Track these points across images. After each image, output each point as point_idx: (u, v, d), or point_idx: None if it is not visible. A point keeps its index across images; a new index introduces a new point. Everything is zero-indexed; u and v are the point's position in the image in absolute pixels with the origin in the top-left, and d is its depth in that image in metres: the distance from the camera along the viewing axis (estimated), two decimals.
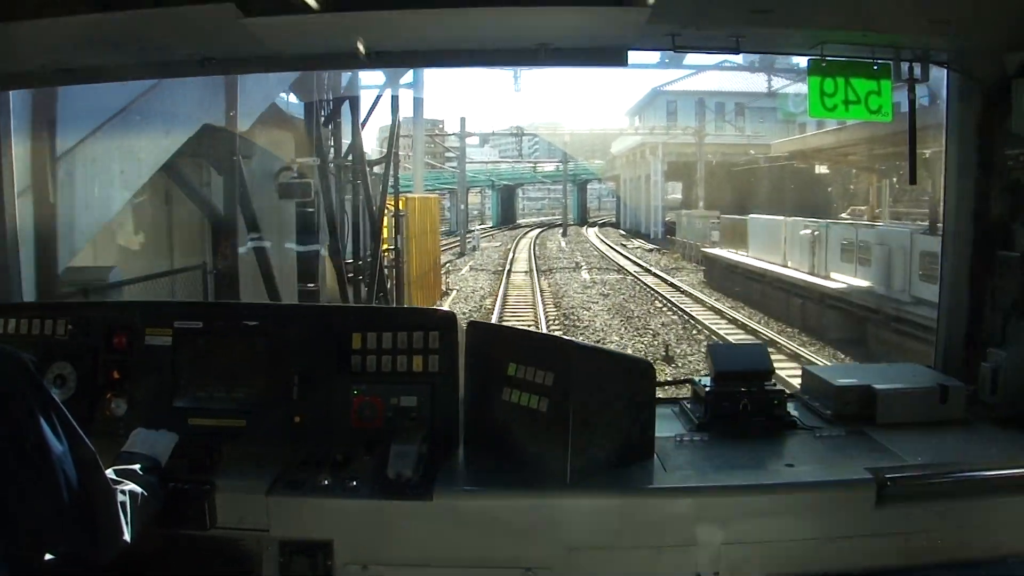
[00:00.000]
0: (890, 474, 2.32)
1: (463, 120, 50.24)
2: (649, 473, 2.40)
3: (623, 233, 54.79)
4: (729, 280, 23.92)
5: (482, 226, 66.25)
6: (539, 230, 59.13)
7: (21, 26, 2.49)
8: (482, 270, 31.96)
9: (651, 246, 42.32)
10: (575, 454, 2.30)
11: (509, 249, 41.68)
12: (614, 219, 68.42)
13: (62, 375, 2.70)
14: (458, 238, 42.78)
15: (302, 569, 2.31)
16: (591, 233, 55.74)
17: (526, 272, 30.70)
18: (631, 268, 31.14)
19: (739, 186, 39.25)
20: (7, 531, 1.72)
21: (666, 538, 2.30)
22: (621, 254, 37.80)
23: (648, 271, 29.66)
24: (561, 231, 55.51)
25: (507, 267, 32.11)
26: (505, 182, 68.68)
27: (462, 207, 47.53)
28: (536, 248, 42.66)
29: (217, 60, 2.77)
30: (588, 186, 75.84)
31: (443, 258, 34.72)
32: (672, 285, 25.27)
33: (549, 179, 69.24)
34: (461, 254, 39.07)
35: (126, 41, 2.69)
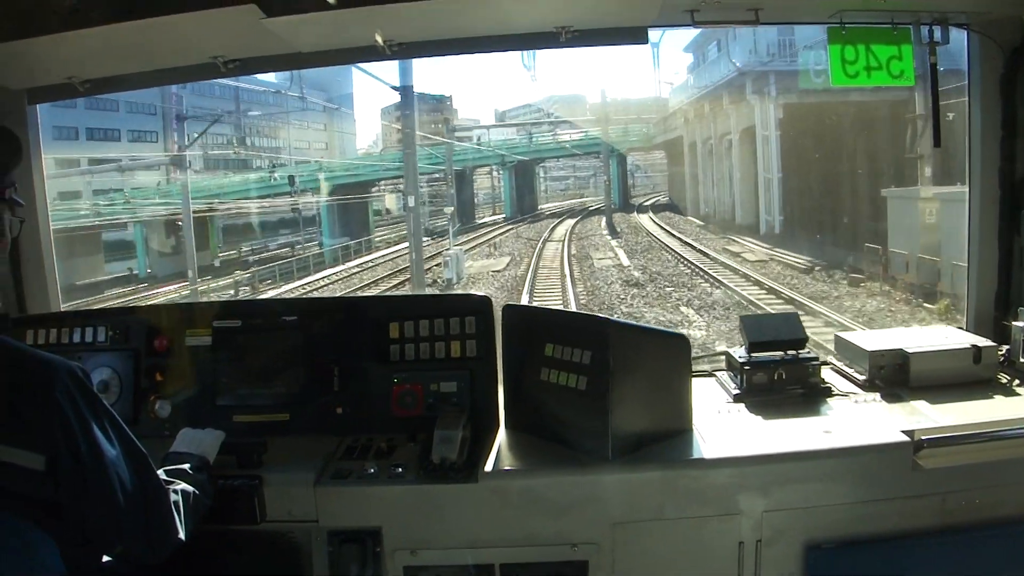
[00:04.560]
0: (926, 436, 2.35)
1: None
2: (688, 445, 2.43)
3: (701, 224, 33.79)
4: None
5: (492, 217, 49.11)
6: (571, 221, 39.95)
7: (47, 41, 2.52)
8: None
9: (790, 257, 21.52)
10: (615, 430, 2.33)
11: (520, 278, 22.00)
12: (667, 199, 50.39)
13: (105, 381, 2.75)
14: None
15: (352, 557, 2.35)
16: (650, 224, 36.28)
17: None
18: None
19: None
20: (65, 534, 1.77)
21: (708, 508, 2.33)
22: (766, 287, 18.01)
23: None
24: (606, 225, 36.14)
25: None
26: (520, 156, 48.60)
27: (410, 202, 19.99)
28: (575, 274, 21.81)
29: (240, 62, 2.80)
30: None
31: None
32: None
33: (581, 149, 50.89)
34: None
35: (150, 48, 2.72)
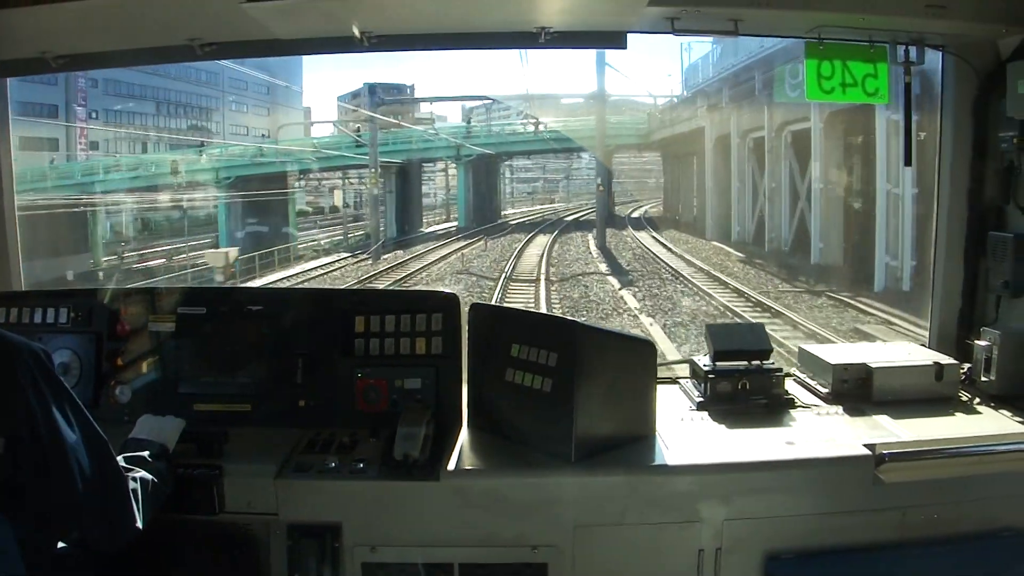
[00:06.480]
0: (887, 450, 2.37)
1: None
2: (651, 451, 2.44)
3: (741, 257, 22.87)
4: None
5: (444, 226, 39.68)
6: (544, 240, 29.14)
7: (19, 13, 2.47)
8: None
9: None
10: (579, 433, 2.33)
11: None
12: (659, 210, 41.19)
13: (65, 363, 2.71)
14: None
15: (311, 552, 2.34)
16: (662, 252, 25.28)
17: None
18: None
19: None
20: (22, 519, 1.74)
21: (669, 515, 2.34)
22: None
23: None
24: (598, 250, 25.85)
25: None
26: (481, 148, 36.59)
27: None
28: None
29: (217, 45, 2.77)
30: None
31: None
32: None
33: (559, 143, 38.91)
34: None
35: (126, 26, 2.68)
